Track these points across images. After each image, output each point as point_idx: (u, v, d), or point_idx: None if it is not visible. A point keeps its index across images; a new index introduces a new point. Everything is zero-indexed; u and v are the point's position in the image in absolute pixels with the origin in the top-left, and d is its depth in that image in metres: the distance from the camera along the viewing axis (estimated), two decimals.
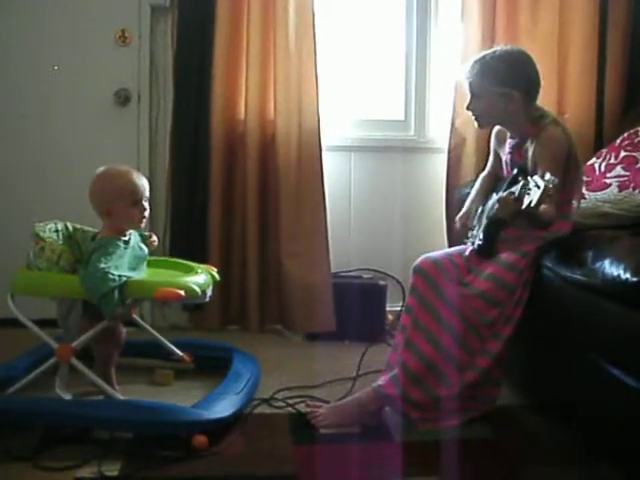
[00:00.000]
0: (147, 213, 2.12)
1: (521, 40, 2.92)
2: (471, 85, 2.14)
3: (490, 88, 2.09)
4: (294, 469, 1.78)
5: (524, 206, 1.80)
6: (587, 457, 1.85)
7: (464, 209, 2.33)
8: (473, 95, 2.14)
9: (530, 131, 2.12)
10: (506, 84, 2.07)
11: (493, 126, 2.28)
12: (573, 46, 2.97)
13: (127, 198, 2.06)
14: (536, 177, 1.80)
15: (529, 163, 2.09)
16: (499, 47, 2.16)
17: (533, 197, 1.76)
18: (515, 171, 2.07)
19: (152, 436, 1.86)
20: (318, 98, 2.90)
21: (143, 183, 2.10)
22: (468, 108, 2.18)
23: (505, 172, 2.24)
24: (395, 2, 3.18)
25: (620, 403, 1.68)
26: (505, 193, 1.95)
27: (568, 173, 2.07)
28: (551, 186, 1.74)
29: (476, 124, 2.23)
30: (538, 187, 1.75)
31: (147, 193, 2.11)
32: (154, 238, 2.28)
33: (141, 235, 2.22)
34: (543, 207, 1.81)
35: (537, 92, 2.13)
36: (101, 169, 2.10)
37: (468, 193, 2.40)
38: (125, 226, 2.11)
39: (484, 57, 2.12)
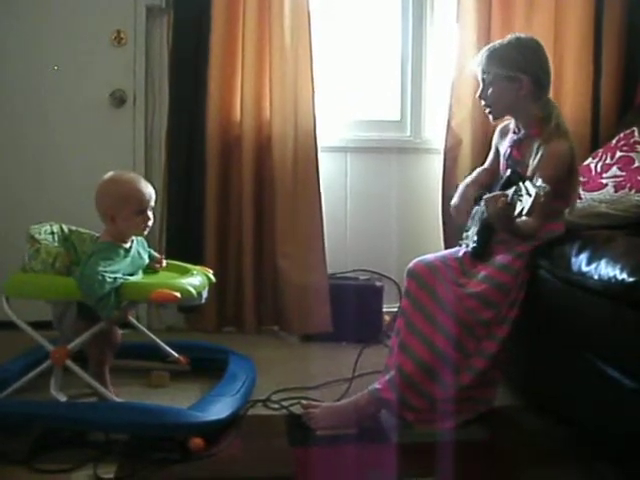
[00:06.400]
0: (151, 222, 2.09)
1: None
2: (482, 72, 2.14)
3: (499, 72, 2.09)
4: (291, 471, 1.78)
5: (516, 212, 1.79)
6: (585, 457, 1.85)
7: (458, 192, 2.29)
8: (484, 83, 2.15)
9: (535, 131, 2.10)
10: (514, 68, 2.08)
11: (504, 117, 2.24)
12: (569, 47, 2.97)
13: (132, 206, 2.03)
14: (528, 183, 1.78)
15: (530, 165, 2.05)
16: (511, 35, 2.16)
17: (525, 204, 1.75)
18: (509, 172, 2.05)
19: (148, 438, 1.85)
20: (314, 99, 2.90)
21: (149, 192, 2.08)
22: (480, 97, 2.17)
23: (502, 166, 2.22)
24: (391, 3, 3.18)
25: (617, 403, 1.68)
26: (493, 193, 1.93)
27: (566, 182, 2.07)
28: (542, 194, 1.73)
29: (490, 117, 2.20)
30: (529, 195, 1.74)
31: (152, 202, 2.09)
32: (164, 264, 2.25)
33: (150, 255, 2.21)
34: (524, 219, 1.79)
35: (548, 81, 2.12)
36: (108, 175, 2.08)
37: None
38: (128, 233, 2.09)
39: (494, 44, 2.15)
